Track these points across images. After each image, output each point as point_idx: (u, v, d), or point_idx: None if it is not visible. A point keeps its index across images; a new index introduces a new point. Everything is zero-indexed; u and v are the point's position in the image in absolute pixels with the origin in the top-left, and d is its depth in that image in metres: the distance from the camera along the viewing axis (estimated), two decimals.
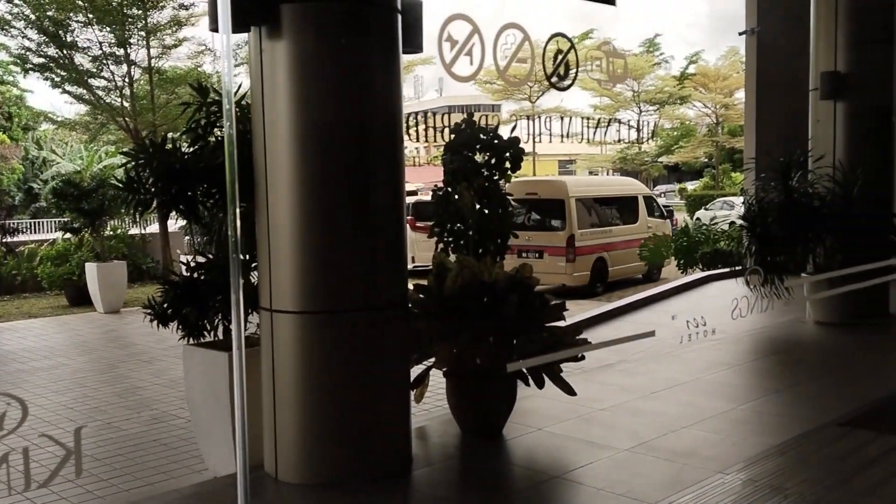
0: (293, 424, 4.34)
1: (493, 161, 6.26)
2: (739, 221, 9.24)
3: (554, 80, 2.37)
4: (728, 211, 25.88)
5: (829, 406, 5.68)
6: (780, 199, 8.37)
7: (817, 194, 8.41)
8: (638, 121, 39.36)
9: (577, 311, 9.64)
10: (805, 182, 8.49)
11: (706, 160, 42.40)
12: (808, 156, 8.79)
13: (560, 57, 2.40)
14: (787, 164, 8.39)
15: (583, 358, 5.45)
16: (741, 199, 10.88)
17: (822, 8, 8.93)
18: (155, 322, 4.94)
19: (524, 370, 5.11)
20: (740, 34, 13.70)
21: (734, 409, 5.77)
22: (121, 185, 5.00)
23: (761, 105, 13.17)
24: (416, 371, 5.16)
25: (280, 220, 4.27)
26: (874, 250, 7.93)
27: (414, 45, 4.45)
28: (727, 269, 11.28)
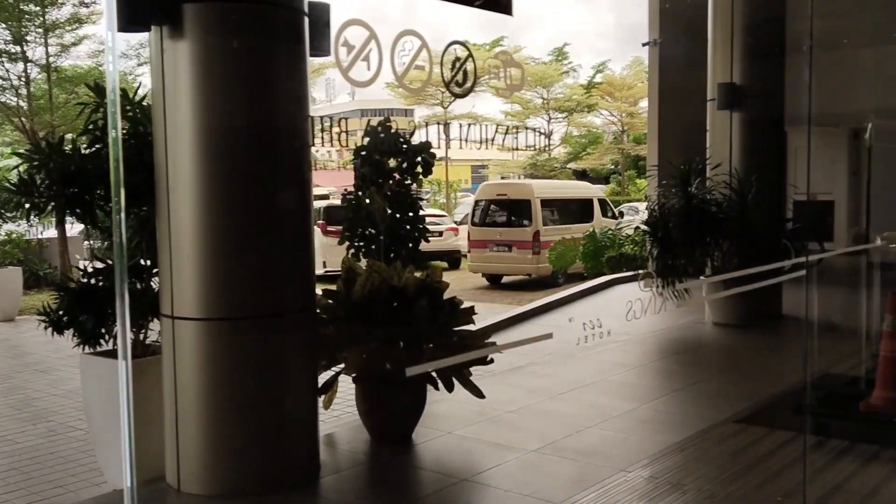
0: (196, 434, 4.24)
1: (404, 165, 6.28)
2: (643, 226, 9.53)
3: (453, 87, 2.39)
4: (633, 216, 26.63)
5: (725, 404, 5.91)
6: (681, 205, 8.67)
7: (715, 200, 8.76)
8: (547, 128, 40.10)
9: (487, 315, 9.73)
10: (703, 189, 8.82)
11: (612, 167, 43.48)
12: (706, 163, 9.14)
13: (458, 64, 2.43)
14: (686, 172, 8.70)
15: (491, 361, 5.51)
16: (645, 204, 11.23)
17: (719, 22, 9.33)
18: (50, 330, 4.75)
19: (433, 374, 5.13)
20: (644, 45, 14.16)
21: (637, 408, 5.94)
22: (14, 187, 4.78)
23: (664, 114, 13.64)
24: (325, 377, 5.13)
25: (182, 224, 4.17)
26: (768, 253, 8.30)
27: (321, 48, 4.41)
28: (631, 273, 11.63)
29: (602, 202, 18.12)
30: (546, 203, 16.14)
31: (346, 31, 2.30)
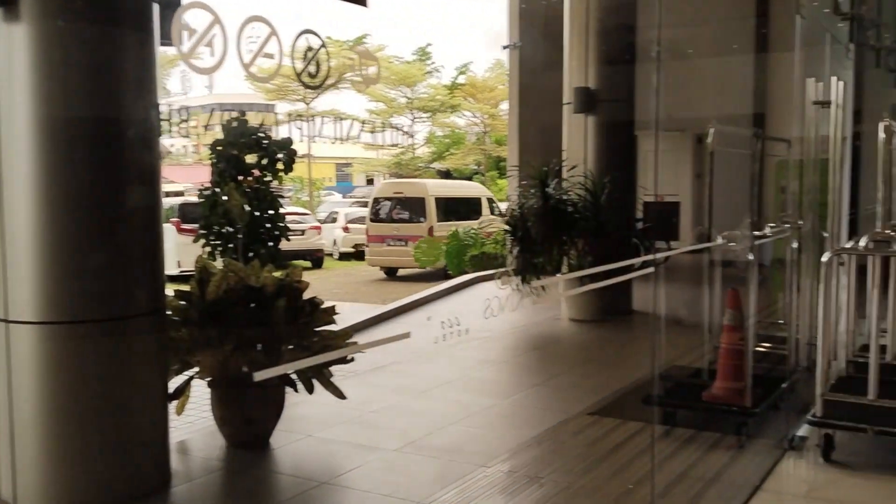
0: (34, 445, 3.95)
1: (264, 161, 6.11)
2: (503, 226, 9.72)
3: (305, 78, 2.32)
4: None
5: (580, 397, 6.11)
6: (539, 205, 8.91)
7: (571, 201, 9.05)
8: (412, 127, 40.27)
9: (352, 314, 9.64)
10: (560, 189, 9.10)
11: (475, 167, 44.23)
12: (563, 165, 9.42)
13: (310, 55, 2.36)
14: (545, 173, 8.94)
15: (352, 360, 5.45)
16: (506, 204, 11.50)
17: (575, 28, 9.64)
18: None
19: (293, 376, 5.01)
20: (504, 48, 14.45)
21: (497, 403, 6.04)
22: None
23: (523, 116, 13.97)
24: (178, 381, 4.91)
25: (16, 220, 3.87)
26: (619, 252, 8.65)
27: (171, 36, 4.22)
28: (493, 271, 11.86)
29: (490, 200, 19.30)
30: (439, 201, 17.25)
31: (188, 15, 2.18)
